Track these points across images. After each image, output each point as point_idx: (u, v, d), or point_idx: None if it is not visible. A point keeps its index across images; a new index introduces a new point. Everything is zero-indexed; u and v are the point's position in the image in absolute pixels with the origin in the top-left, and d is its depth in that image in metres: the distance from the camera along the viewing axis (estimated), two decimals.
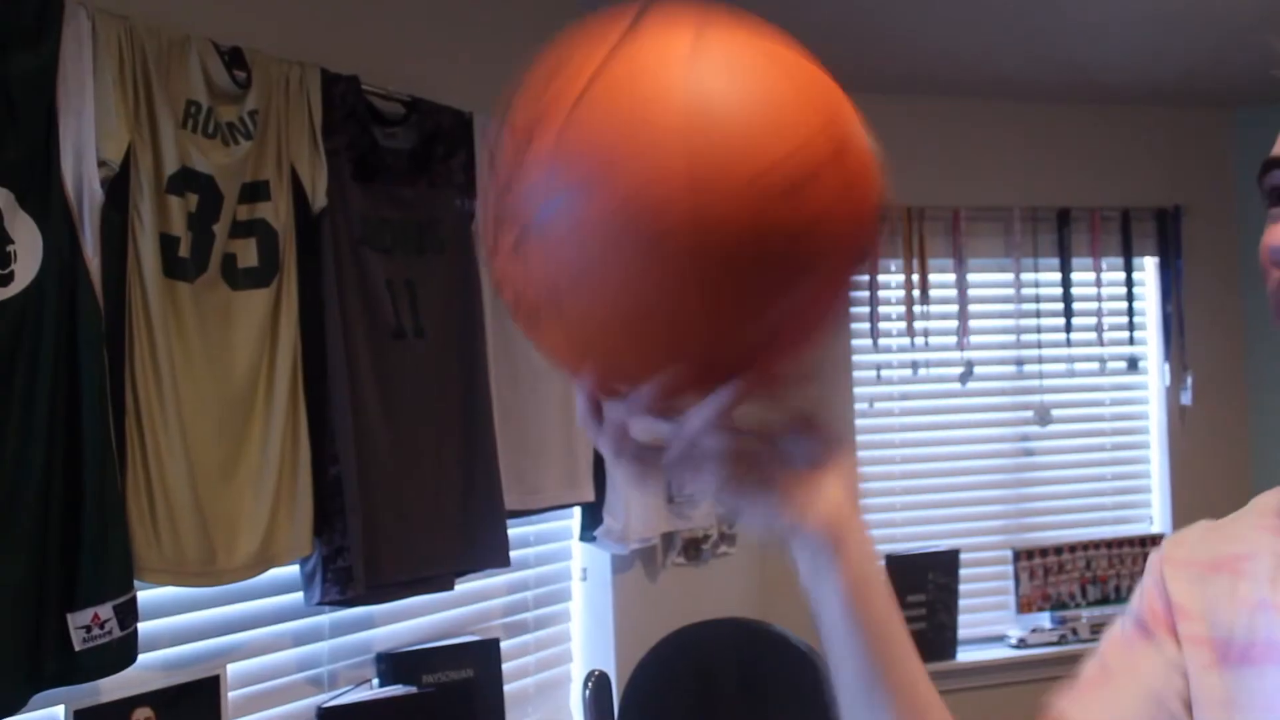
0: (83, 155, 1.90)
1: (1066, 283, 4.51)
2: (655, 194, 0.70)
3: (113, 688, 2.00)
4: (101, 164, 1.92)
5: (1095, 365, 4.59)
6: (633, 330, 0.74)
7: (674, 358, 0.74)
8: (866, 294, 4.30)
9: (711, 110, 0.72)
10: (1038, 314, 4.54)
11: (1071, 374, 4.59)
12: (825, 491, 0.82)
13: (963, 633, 4.35)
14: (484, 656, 2.75)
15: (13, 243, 1.82)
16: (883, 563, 0.86)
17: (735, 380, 0.76)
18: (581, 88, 0.74)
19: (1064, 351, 4.56)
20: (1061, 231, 4.52)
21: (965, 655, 4.34)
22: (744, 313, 0.74)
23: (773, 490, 0.82)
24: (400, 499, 2.44)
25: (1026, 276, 4.53)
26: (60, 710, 1.94)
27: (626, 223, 0.71)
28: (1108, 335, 4.57)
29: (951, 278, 4.42)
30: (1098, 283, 4.56)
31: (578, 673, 3.34)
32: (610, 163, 0.71)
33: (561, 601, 3.31)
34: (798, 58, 0.80)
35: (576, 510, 3.21)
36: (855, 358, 4.38)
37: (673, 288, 0.71)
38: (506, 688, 2.84)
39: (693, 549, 3.73)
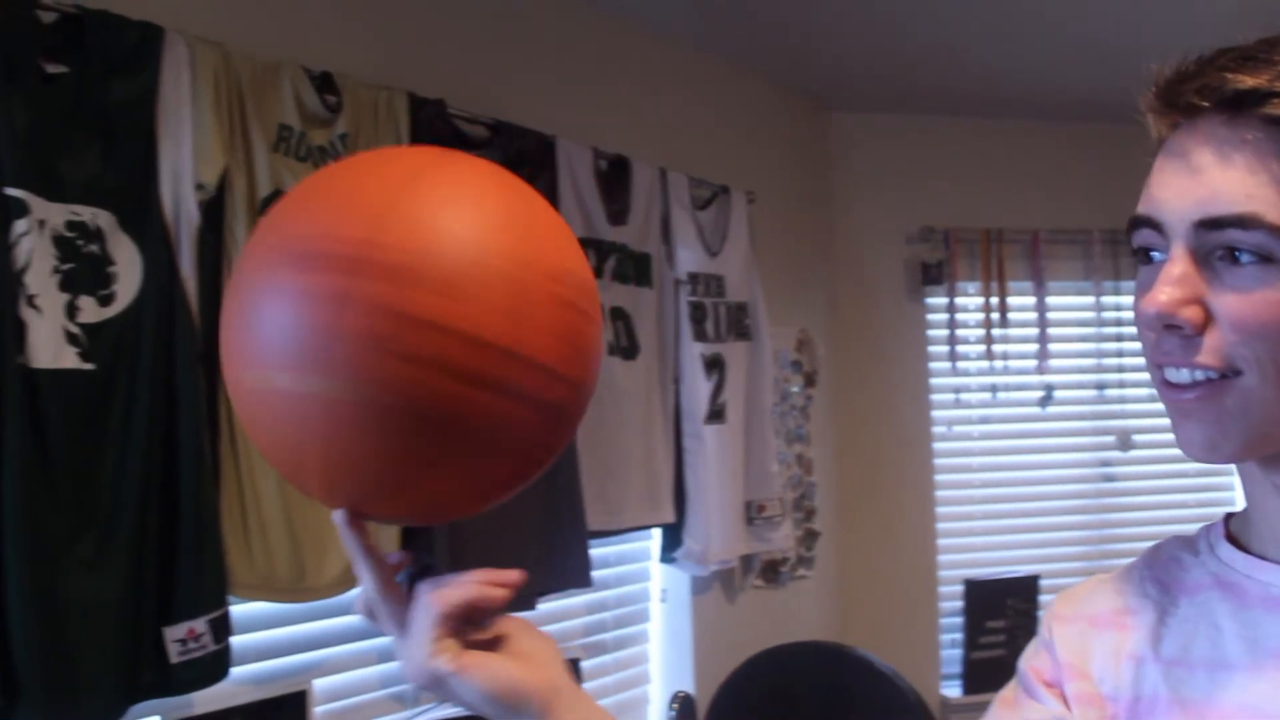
0: (180, 179, 1.94)
1: None
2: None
3: (204, 700, 2.03)
4: (198, 187, 1.97)
5: None
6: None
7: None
8: (946, 316, 4.27)
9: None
10: (1119, 337, 4.49)
11: (1154, 398, 4.50)
12: (531, 665, 0.84)
13: None
14: None
15: (114, 264, 1.87)
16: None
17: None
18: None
19: (1146, 376, 4.48)
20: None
21: None
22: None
23: (492, 660, 0.83)
24: (485, 518, 2.45)
25: (1107, 299, 4.47)
26: None
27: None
28: None
29: (1031, 300, 4.38)
30: None
31: (656, 693, 3.34)
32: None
33: (641, 622, 3.31)
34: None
35: (657, 531, 3.22)
36: (933, 380, 4.35)
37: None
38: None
39: (771, 571, 3.72)
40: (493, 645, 0.85)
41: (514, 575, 0.82)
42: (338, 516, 0.83)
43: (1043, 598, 4.30)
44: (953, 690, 4.26)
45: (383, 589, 0.84)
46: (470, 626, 0.85)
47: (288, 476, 0.81)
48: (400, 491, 0.79)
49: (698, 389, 3.20)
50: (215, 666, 1.95)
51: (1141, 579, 0.98)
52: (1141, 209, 0.88)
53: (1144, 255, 0.88)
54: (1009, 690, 1.01)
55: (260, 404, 0.77)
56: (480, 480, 0.80)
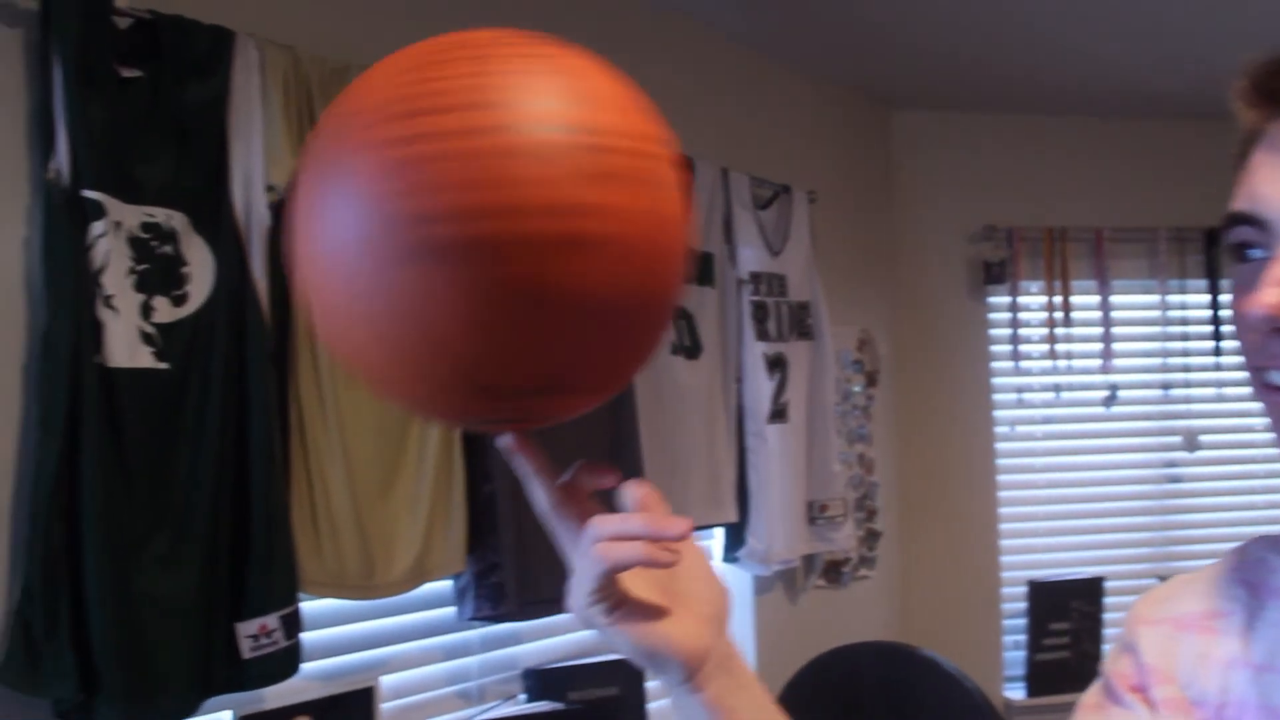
0: (251, 180, 1.97)
1: (1215, 304, 4.39)
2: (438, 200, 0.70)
3: (274, 696, 2.06)
4: (269, 188, 1.99)
5: (1246, 389, 4.44)
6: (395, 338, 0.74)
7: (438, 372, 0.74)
8: (1009, 316, 4.24)
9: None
10: (1185, 336, 4.43)
11: (1220, 398, 4.46)
12: (691, 630, 0.82)
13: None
14: (629, 675, 2.76)
15: (187, 264, 1.89)
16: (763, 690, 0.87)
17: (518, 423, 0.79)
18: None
19: (1213, 375, 4.44)
20: (1209, 251, 4.40)
21: None
22: (516, 338, 0.73)
23: (642, 623, 0.81)
24: None
25: (1173, 298, 4.42)
26: (228, 716, 2.00)
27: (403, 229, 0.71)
28: None
29: (1095, 299, 4.33)
30: None
31: None
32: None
33: None
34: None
35: (719, 531, 3.21)
36: (996, 380, 4.31)
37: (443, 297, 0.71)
38: (649, 706, 2.84)
39: (833, 571, 3.71)
40: (662, 576, 0.84)
41: (683, 525, 0.78)
42: (504, 440, 0.82)
43: (1108, 600, 4.25)
44: (1016, 693, 4.22)
45: (555, 508, 0.84)
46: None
47: (415, 398, 0.78)
48: (539, 360, 0.75)
49: (760, 388, 3.19)
50: (286, 662, 1.98)
51: (1229, 580, 0.95)
52: (1242, 205, 0.81)
53: (1239, 253, 0.82)
54: (1092, 695, 0.99)
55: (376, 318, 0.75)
56: (607, 330, 0.76)
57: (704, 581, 0.85)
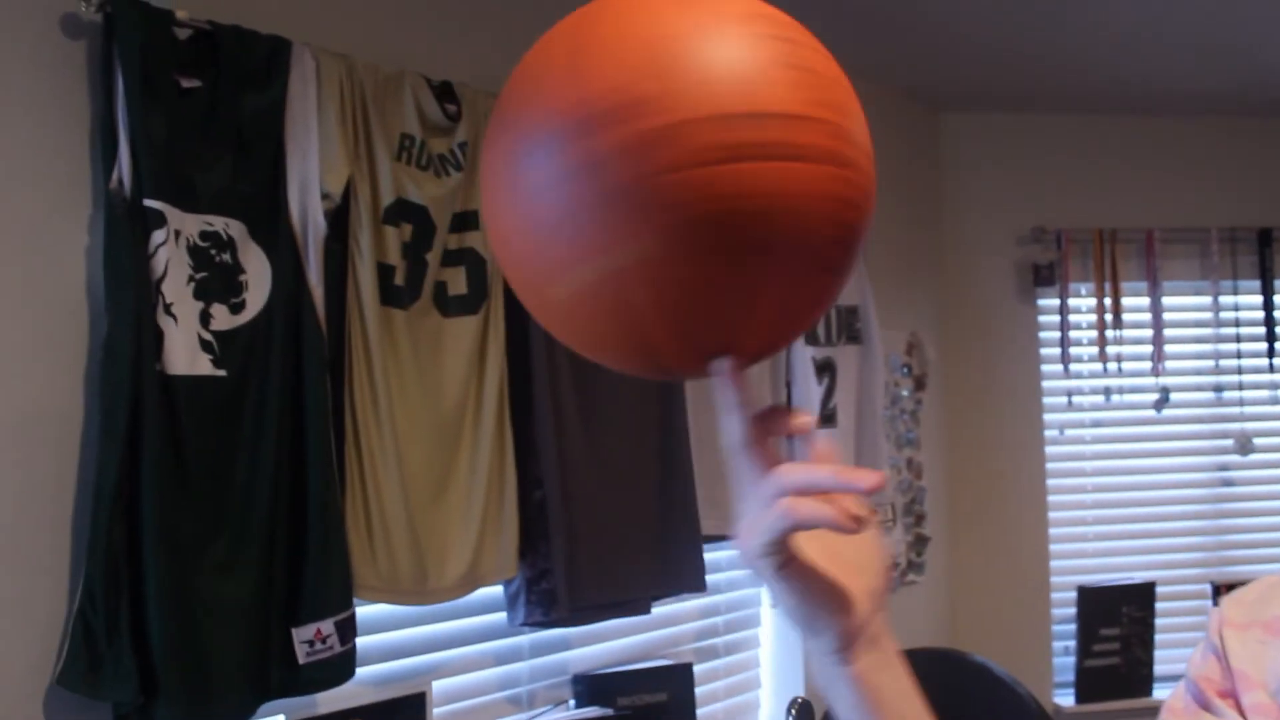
0: (307, 188, 1.98)
1: (1269, 305, 4.34)
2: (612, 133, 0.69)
3: (328, 700, 2.08)
4: (324, 196, 2.00)
5: None
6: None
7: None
8: (1058, 318, 4.20)
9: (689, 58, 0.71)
10: (1238, 338, 4.37)
11: (1275, 401, 4.40)
12: (853, 599, 0.79)
13: (1159, 669, 4.20)
14: (678, 681, 2.77)
15: (245, 272, 1.91)
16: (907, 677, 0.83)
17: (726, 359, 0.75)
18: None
19: (1266, 378, 4.38)
20: (1263, 252, 4.34)
21: (1162, 692, 4.18)
22: (710, 272, 0.71)
23: (807, 582, 0.78)
24: (601, 523, 2.47)
25: (1225, 299, 4.37)
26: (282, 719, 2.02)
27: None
28: None
29: (1145, 301, 4.29)
30: None
31: (766, 698, 3.33)
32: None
33: (751, 627, 3.31)
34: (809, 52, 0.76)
35: None
36: (1045, 383, 4.28)
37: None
38: (699, 711, 2.84)
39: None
40: (832, 538, 0.81)
41: (874, 478, 0.72)
42: (719, 366, 0.77)
43: (1159, 605, 4.21)
44: (1066, 699, 4.19)
45: (748, 445, 0.78)
46: None
47: (640, 364, 0.77)
48: (752, 304, 0.73)
49: (809, 393, 3.19)
50: (342, 667, 1.99)
51: None
52: None
53: None
54: (1177, 699, 0.97)
55: (580, 308, 0.74)
56: (810, 258, 0.74)
57: (871, 554, 0.83)
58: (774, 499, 0.75)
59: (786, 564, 0.77)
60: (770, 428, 0.78)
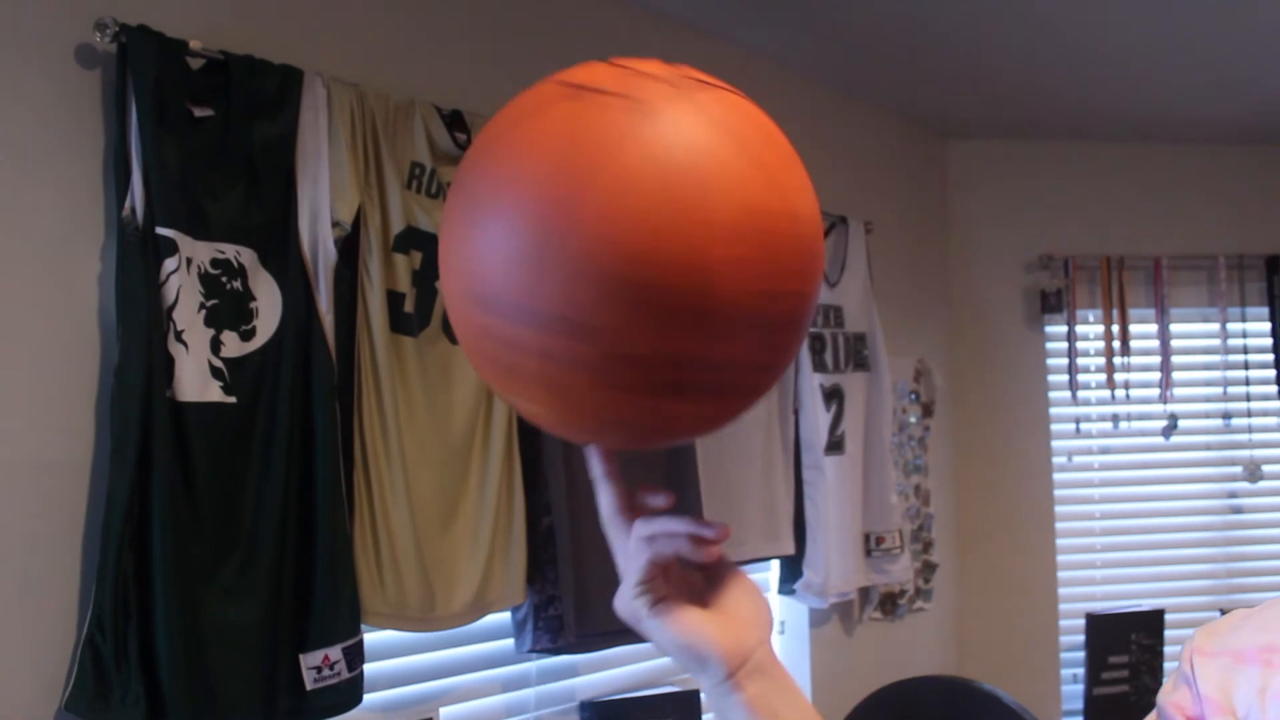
0: (318, 216, 2.00)
1: (1277, 332, 4.34)
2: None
3: None
4: (335, 224, 2.02)
5: None
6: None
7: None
8: (1066, 345, 4.21)
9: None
10: (1246, 365, 4.37)
11: None
12: (723, 623, 0.86)
13: None
14: (685, 707, 2.76)
15: (255, 300, 1.92)
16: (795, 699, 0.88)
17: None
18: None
19: (1275, 405, 4.38)
20: (1271, 279, 4.35)
21: None
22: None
23: (684, 618, 0.85)
24: (610, 550, 2.47)
25: (1233, 326, 4.37)
26: None
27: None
28: None
29: (1153, 328, 4.29)
30: None
31: None
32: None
33: None
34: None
35: (775, 563, 3.21)
36: (1053, 410, 4.28)
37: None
38: None
39: (889, 604, 3.68)
40: (704, 590, 0.88)
41: (720, 529, 0.84)
42: (592, 451, 0.88)
43: (1168, 633, 4.19)
44: None
45: (615, 514, 0.88)
46: (682, 570, 0.89)
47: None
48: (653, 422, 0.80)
49: (817, 420, 3.19)
50: (349, 693, 1.99)
51: None
52: None
53: None
54: None
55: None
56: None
57: (745, 594, 0.89)
58: (636, 547, 0.84)
59: (659, 603, 0.85)
60: (639, 502, 0.88)
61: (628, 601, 0.85)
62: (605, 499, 0.89)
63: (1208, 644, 0.98)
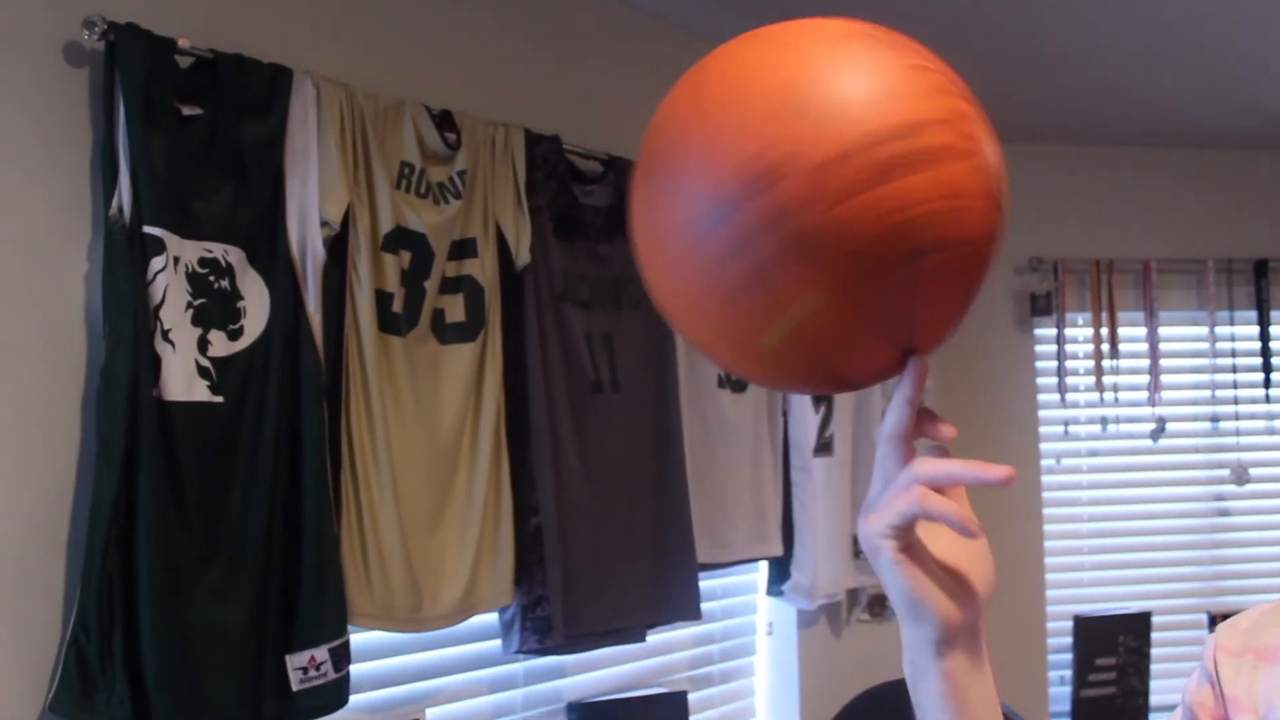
0: (307, 216, 1.99)
1: (1265, 336, 4.35)
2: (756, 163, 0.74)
3: None
4: (323, 224, 2.01)
5: None
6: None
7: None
8: (1055, 348, 4.21)
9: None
10: (1234, 369, 4.38)
11: (1271, 431, 4.41)
12: (958, 599, 0.83)
13: (1155, 699, 4.19)
14: (672, 709, 2.76)
15: (243, 299, 1.92)
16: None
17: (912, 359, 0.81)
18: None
19: (1263, 408, 4.39)
20: (1259, 283, 4.36)
21: None
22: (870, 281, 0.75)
23: (920, 571, 0.82)
24: (598, 550, 2.47)
25: (1222, 330, 4.38)
26: None
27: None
28: None
29: (1142, 331, 4.30)
30: None
31: None
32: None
33: (746, 656, 3.30)
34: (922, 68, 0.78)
35: (763, 564, 3.21)
36: (1042, 413, 4.28)
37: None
38: None
39: (877, 605, 3.68)
40: (947, 546, 0.85)
41: (1004, 471, 0.78)
42: (911, 362, 0.82)
43: (1155, 635, 4.20)
44: None
45: (899, 439, 0.83)
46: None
47: (829, 387, 0.82)
48: (927, 301, 0.78)
49: (806, 421, 3.19)
50: (335, 694, 1.99)
51: None
52: None
53: None
54: None
55: (782, 355, 0.79)
56: (971, 249, 0.78)
57: (982, 562, 0.86)
58: (908, 486, 0.79)
59: (906, 549, 0.80)
60: (922, 427, 0.83)
61: (875, 538, 0.81)
62: (895, 419, 0.83)
63: (1230, 641, 0.98)
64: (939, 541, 0.85)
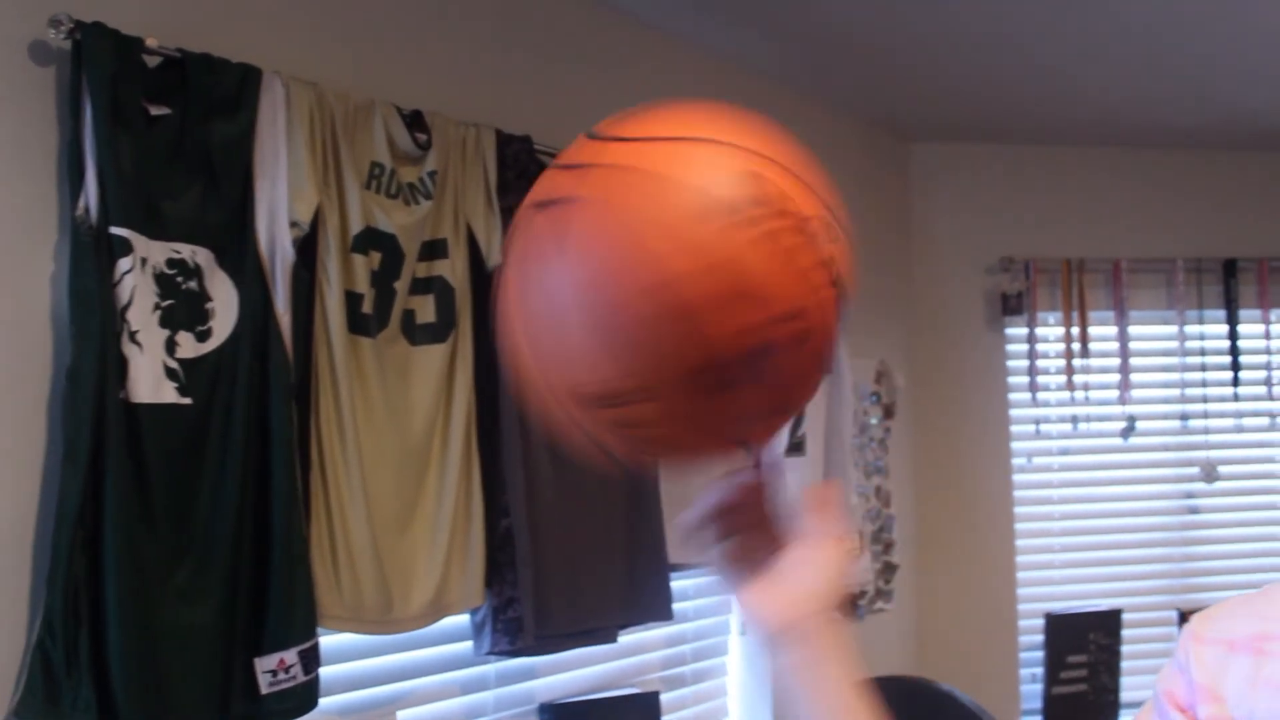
0: (276, 216, 1.98)
1: (1234, 335, 4.38)
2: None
3: None
4: (293, 224, 2.00)
5: (1265, 420, 4.44)
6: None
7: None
8: (1026, 347, 4.23)
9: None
10: (1203, 367, 4.42)
11: (1239, 429, 4.44)
12: (782, 589, 0.88)
13: (1126, 695, 4.22)
14: (645, 709, 2.76)
15: (211, 300, 1.91)
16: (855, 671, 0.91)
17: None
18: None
19: (1231, 406, 4.43)
20: (1228, 282, 4.39)
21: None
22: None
23: (741, 574, 0.88)
24: (569, 551, 2.47)
25: (1191, 329, 4.41)
26: None
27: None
28: (1278, 389, 4.41)
29: (1113, 330, 4.33)
30: (1267, 335, 4.41)
31: None
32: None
33: (719, 656, 3.30)
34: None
35: None
36: (1013, 411, 4.31)
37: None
38: None
39: (849, 605, 3.69)
40: (773, 555, 0.90)
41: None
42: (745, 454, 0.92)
43: (1125, 632, 4.23)
44: None
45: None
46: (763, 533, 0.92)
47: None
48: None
49: None
50: (304, 697, 1.98)
51: None
52: None
53: None
54: (1145, 713, 1.00)
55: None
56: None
57: (802, 564, 0.90)
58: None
59: (727, 560, 0.89)
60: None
61: (685, 532, 0.90)
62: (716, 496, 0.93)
63: (1204, 630, 0.99)
64: (764, 550, 0.92)
